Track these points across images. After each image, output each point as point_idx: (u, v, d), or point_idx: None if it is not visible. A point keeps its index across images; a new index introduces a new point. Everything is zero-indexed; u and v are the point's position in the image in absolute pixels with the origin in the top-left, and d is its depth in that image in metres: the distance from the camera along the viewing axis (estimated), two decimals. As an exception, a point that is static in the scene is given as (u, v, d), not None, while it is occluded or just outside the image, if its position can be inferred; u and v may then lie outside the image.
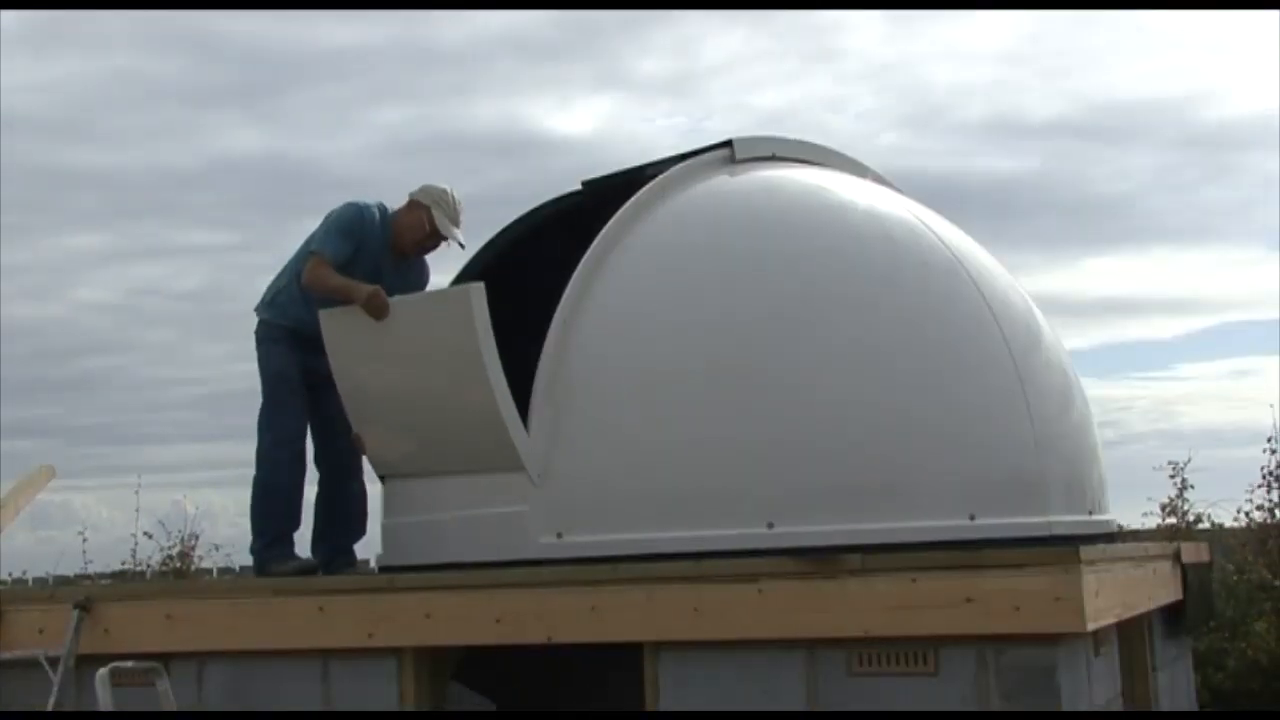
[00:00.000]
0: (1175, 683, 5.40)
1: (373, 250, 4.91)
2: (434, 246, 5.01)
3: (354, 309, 4.73)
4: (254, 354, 5.13)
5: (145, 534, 8.64)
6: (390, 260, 4.98)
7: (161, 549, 8.67)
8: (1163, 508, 8.28)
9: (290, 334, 4.99)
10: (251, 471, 5.09)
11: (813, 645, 3.87)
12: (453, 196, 5.00)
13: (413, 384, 4.68)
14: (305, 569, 4.99)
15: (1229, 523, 8.17)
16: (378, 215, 4.95)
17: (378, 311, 4.64)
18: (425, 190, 4.99)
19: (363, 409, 4.85)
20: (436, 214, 4.92)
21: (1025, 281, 5.22)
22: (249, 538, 5.16)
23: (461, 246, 5.02)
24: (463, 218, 5.00)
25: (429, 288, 5.20)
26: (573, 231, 4.82)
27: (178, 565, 8.60)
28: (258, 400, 5.10)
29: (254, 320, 5.15)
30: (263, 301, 5.10)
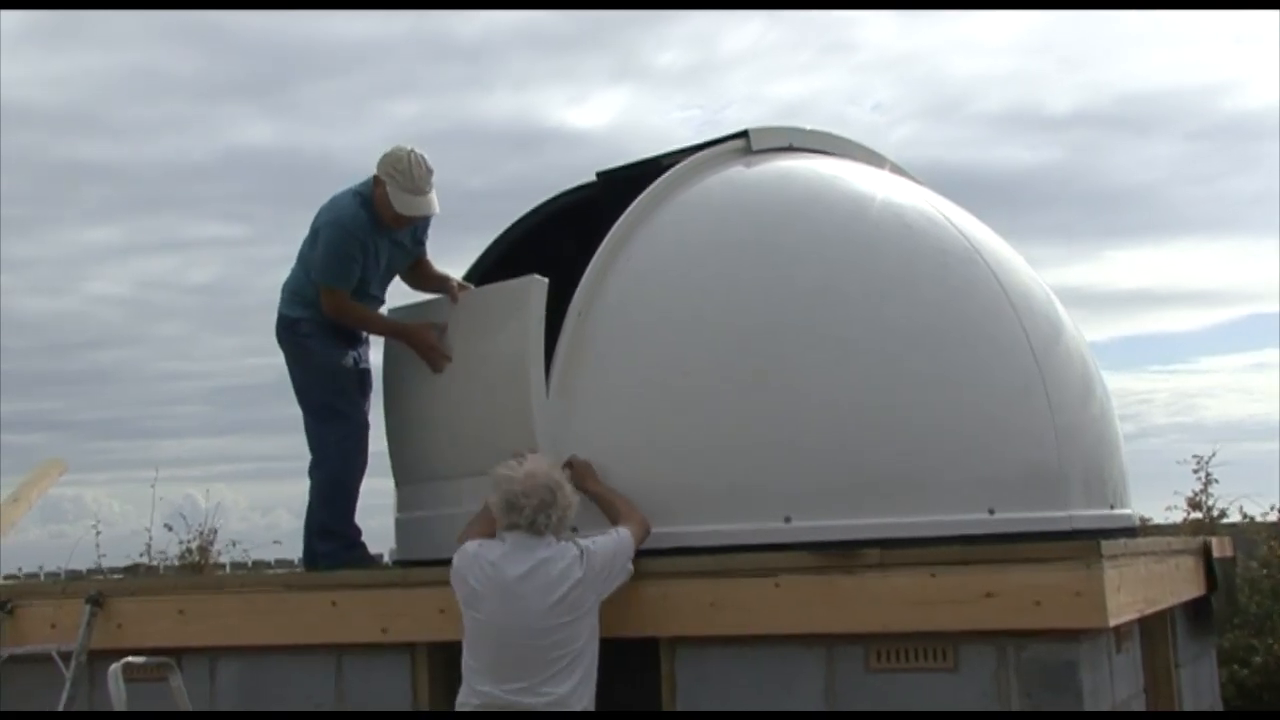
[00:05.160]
0: (1198, 679, 5.37)
1: (369, 247, 4.86)
2: (412, 220, 4.86)
3: (422, 306, 4.83)
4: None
5: (166, 526, 8.68)
6: (385, 242, 4.91)
7: (181, 542, 8.72)
8: (1189, 501, 8.25)
9: (332, 326, 4.96)
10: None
11: (831, 641, 3.87)
12: (412, 160, 4.70)
13: (459, 381, 4.70)
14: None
15: (1259, 517, 8.13)
16: (364, 212, 4.82)
17: (435, 360, 4.75)
18: (382, 161, 4.78)
19: (405, 407, 4.90)
20: (391, 190, 4.73)
21: (1045, 273, 5.22)
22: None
23: (429, 215, 4.87)
24: (430, 178, 4.75)
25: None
26: (587, 223, 4.82)
27: (197, 560, 8.63)
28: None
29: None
30: (292, 300, 5.02)
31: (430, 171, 4.78)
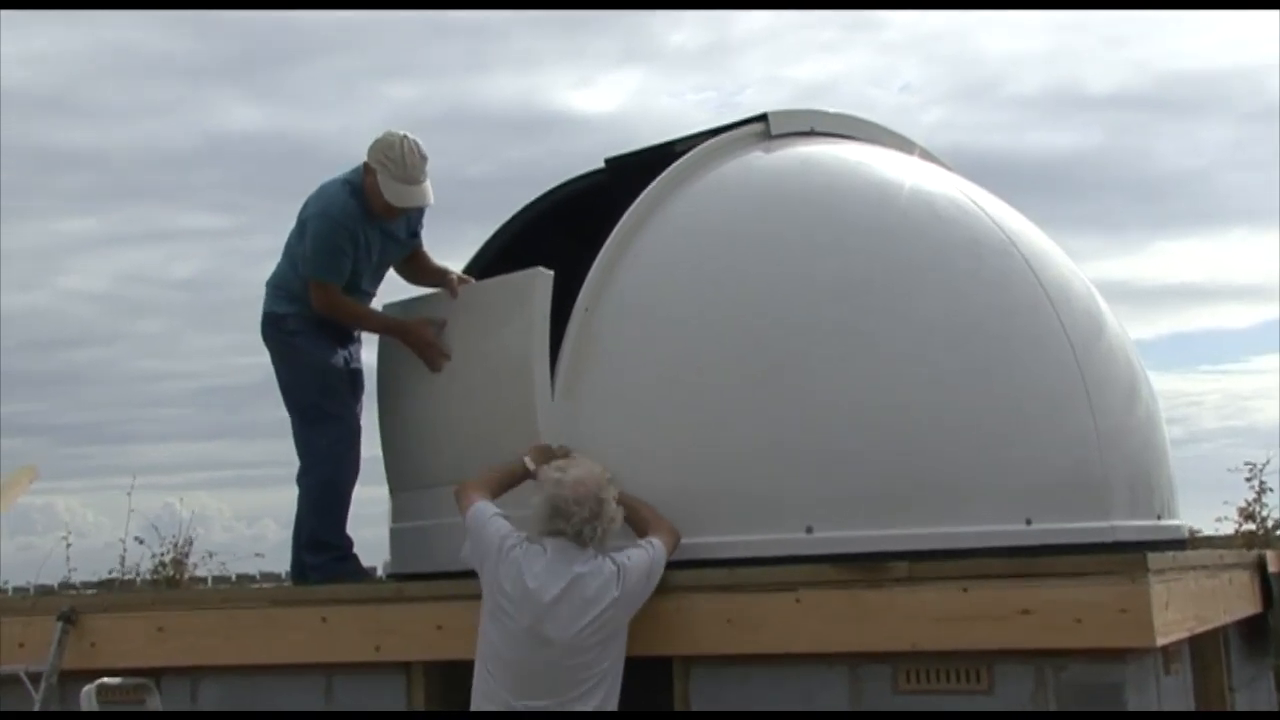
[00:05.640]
0: (1255, 705, 5.36)
1: (360, 239, 4.88)
2: (405, 210, 4.87)
3: (419, 301, 4.85)
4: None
5: (137, 539, 8.71)
6: (377, 233, 4.93)
7: (153, 555, 8.74)
8: (1241, 512, 8.22)
9: (321, 323, 4.98)
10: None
11: (856, 660, 3.87)
12: (404, 147, 4.73)
13: (459, 381, 4.73)
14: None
15: None
16: (354, 202, 4.83)
17: (433, 359, 4.76)
18: (373, 148, 4.80)
19: (401, 409, 4.92)
20: (382, 179, 4.75)
21: (1086, 266, 5.22)
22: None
23: (425, 206, 4.91)
24: (424, 167, 4.77)
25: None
26: (595, 214, 4.82)
27: (171, 574, 8.66)
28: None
29: (255, 310, 5.16)
30: (278, 296, 5.05)
31: (424, 159, 4.80)
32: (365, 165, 4.84)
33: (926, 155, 5.33)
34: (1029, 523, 4.19)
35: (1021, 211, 5.10)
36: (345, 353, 5.09)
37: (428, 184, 4.84)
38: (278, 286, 5.06)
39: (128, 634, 4.71)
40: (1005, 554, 3.98)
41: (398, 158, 4.74)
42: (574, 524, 3.90)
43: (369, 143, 4.85)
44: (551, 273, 4.52)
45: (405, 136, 4.79)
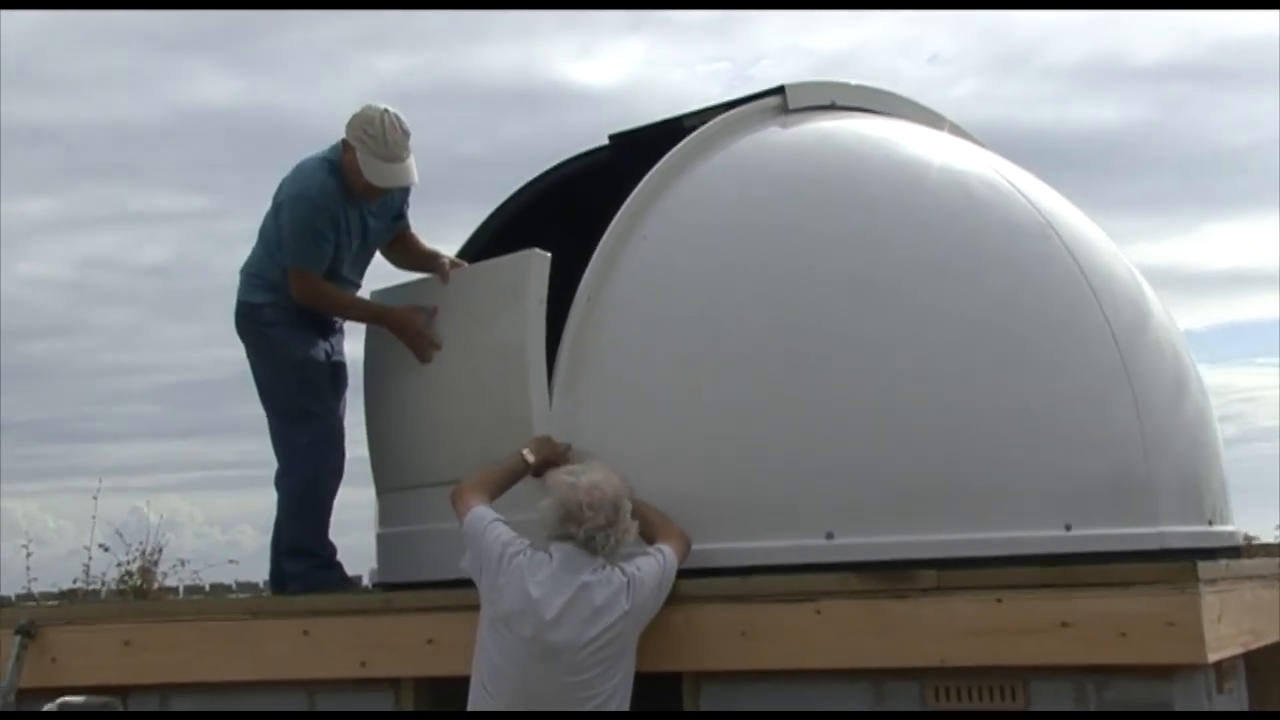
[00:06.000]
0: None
1: (340, 221, 4.89)
2: (387, 190, 4.88)
3: (408, 287, 4.86)
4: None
5: (101, 546, 8.74)
6: (359, 215, 4.94)
7: (119, 564, 8.76)
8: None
9: (300, 313, 4.99)
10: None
11: (880, 677, 3.89)
12: (385, 122, 4.73)
13: (450, 373, 4.74)
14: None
15: None
16: (334, 182, 4.84)
17: (423, 349, 4.78)
18: (351, 123, 4.81)
19: (388, 405, 4.92)
20: (362, 156, 4.75)
21: (1131, 250, 5.23)
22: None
23: (409, 186, 4.93)
24: (407, 143, 4.78)
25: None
26: (598, 194, 4.83)
27: (138, 583, 8.68)
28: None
29: (231, 299, 5.17)
30: (253, 284, 5.06)
31: (407, 134, 4.81)
32: (344, 142, 4.85)
33: (957, 131, 5.33)
34: (1068, 528, 4.20)
35: (1060, 192, 5.09)
36: (326, 345, 5.11)
37: (411, 161, 4.85)
38: (253, 274, 5.08)
39: (92, 648, 4.73)
40: (1043, 562, 3.98)
41: (378, 133, 4.75)
42: (585, 529, 3.91)
43: (355, 118, 4.87)
44: (548, 255, 4.52)
45: (386, 110, 4.80)
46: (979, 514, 4.17)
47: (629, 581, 3.91)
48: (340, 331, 5.21)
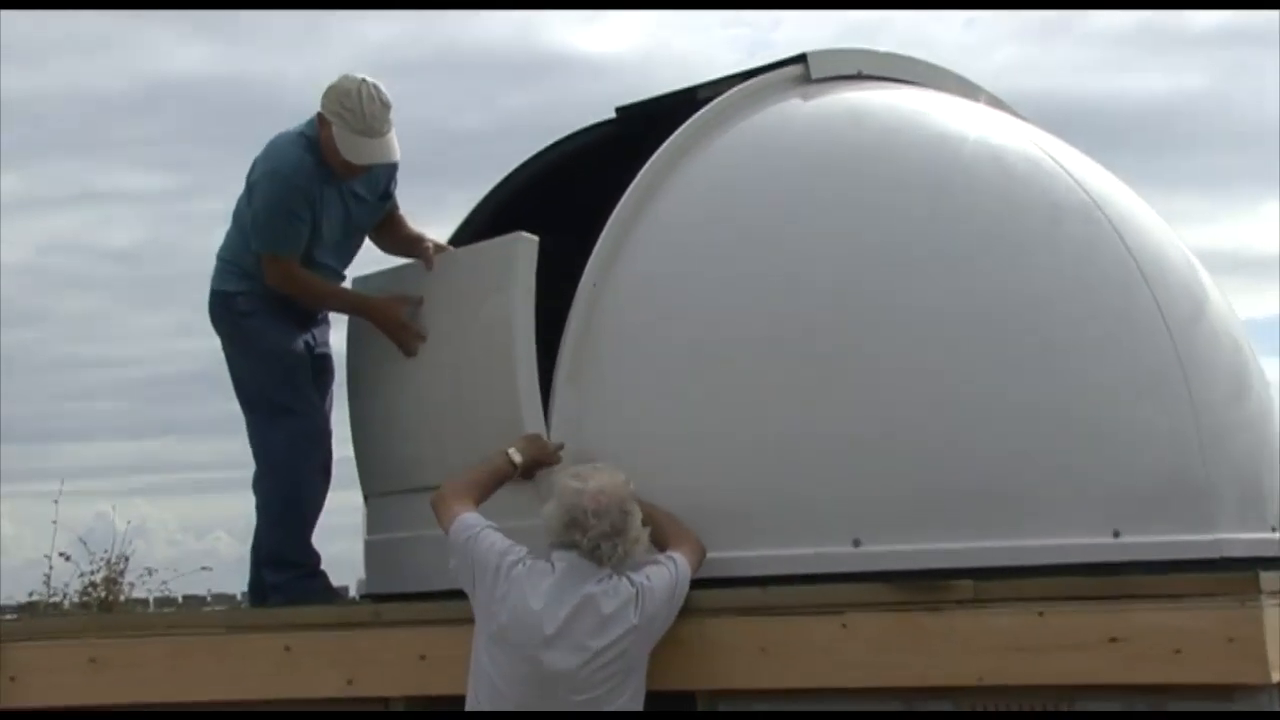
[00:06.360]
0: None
1: (317, 201, 4.89)
2: (367, 167, 4.88)
3: (390, 274, 4.89)
4: (205, 327, 5.18)
5: (63, 555, 8.77)
6: (338, 195, 4.94)
7: (82, 574, 8.79)
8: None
9: (280, 302, 5.00)
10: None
11: (911, 696, 3.89)
12: (362, 94, 4.74)
13: (437, 367, 4.75)
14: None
15: None
16: (311, 158, 4.84)
17: (407, 341, 4.80)
18: (326, 95, 4.81)
19: (373, 402, 4.93)
20: (338, 132, 4.76)
21: (1187, 232, 5.21)
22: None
23: (394, 163, 4.94)
24: (388, 116, 4.79)
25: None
26: (604, 172, 4.83)
27: (103, 595, 8.71)
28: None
29: (205, 285, 5.18)
30: (228, 271, 5.07)
31: (387, 106, 4.81)
32: (319, 116, 4.86)
33: (995, 102, 5.32)
34: (1117, 535, 4.20)
35: (1109, 168, 5.09)
36: (308, 336, 5.12)
37: (392, 136, 4.86)
38: (227, 260, 5.09)
39: (54, 666, 4.73)
40: (1089, 571, 3.98)
41: (355, 106, 4.75)
42: (590, 538, 3.91)
43: (340, 88, 4.87)
44: (536, 238, 4.53)
45: (364, 80, 4.81)
46: (1019, 519, 4.16)
47: (638, 592, 3.91)
48: (325, 321, 5.22)
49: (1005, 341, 4.33)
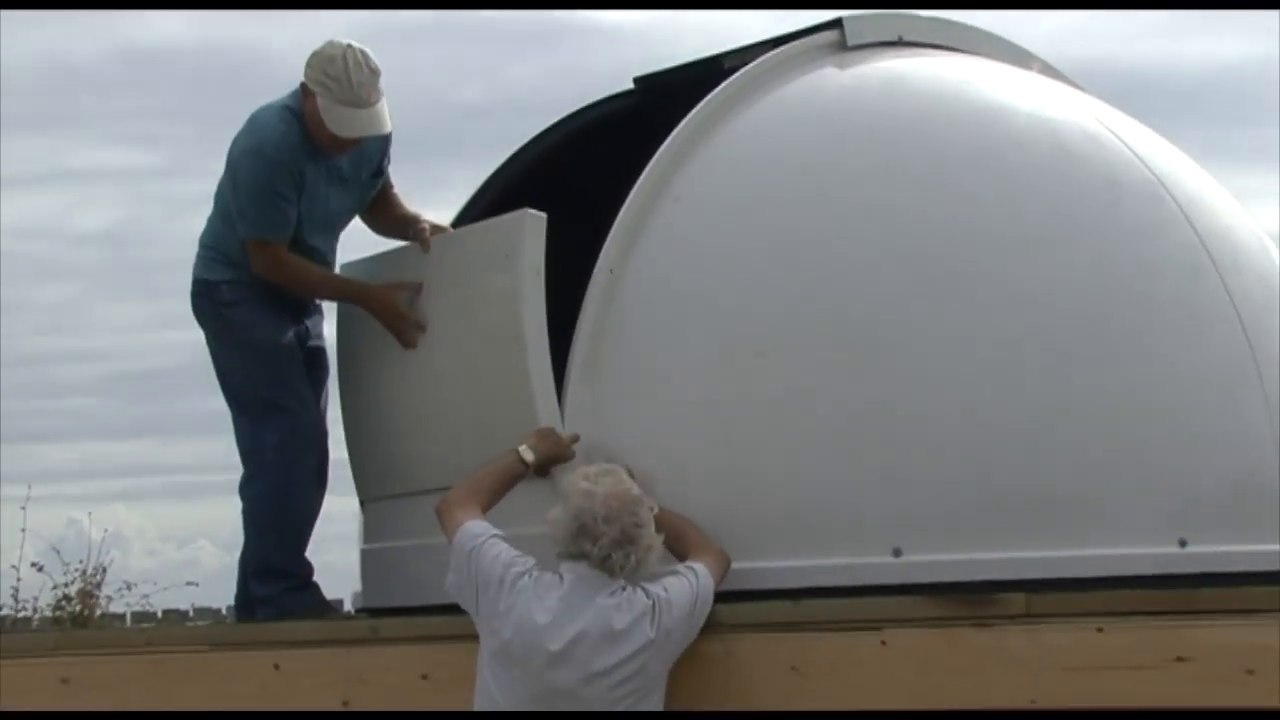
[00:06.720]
0: None
1: (303, 180, 4.90)
2: (355, 141, 4.88)
3: (384, 258, 4.90)
4: (187, 317, 5.18)
5: (34, 565, 8.81)
6: (326, 171, 4.95)
7: (55, 587, 8.83)
8: None
9: (268, 290, 5.01)
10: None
11: (958, 720, 3.87)
12: (349, 60, 4.74)
13: (439, 359, 4.76)
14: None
15: None
16: (295, 133, 4.85)
17: (405, 331, 4.80)
18: (310, 63, 4.82)
19: (369, 399, 4.93)
20: (323, 103, 4.76)
21: (1260, 213, 5.20)
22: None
23: (385, 136, 4.95)
24: (377, 84, 4.79)
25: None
26: (622, 149, 4.83)
27: (77, 609, 8.74)
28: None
29: (187, 271, 5.20)
30: (211, 259, 5.08)
31: (375, 74, 4.82)
32: (302, 87, 4.87)
33: (1049, 71, 5.31)
34: (1183, 544, 4.19)
35: (1175, 143, 5.09)
36: (300, 327, 5.14)
37: (382, 106, 4.86)
38: (210, 246, 5.11)
39: (24, 686, 4.74)
40: (1153, 584, 3.97)
41: (340, 74, 4.75)
42: (600, 547, 3.90)
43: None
44: (544, 215, 4.52)
45: (349, 46, 4.81)
46: (1076, 527, 4.16)
47: (654, 605, 3.90)
48: (318, 311, 5.23)
49: (1059, 333, 4.32)
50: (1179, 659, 3.67)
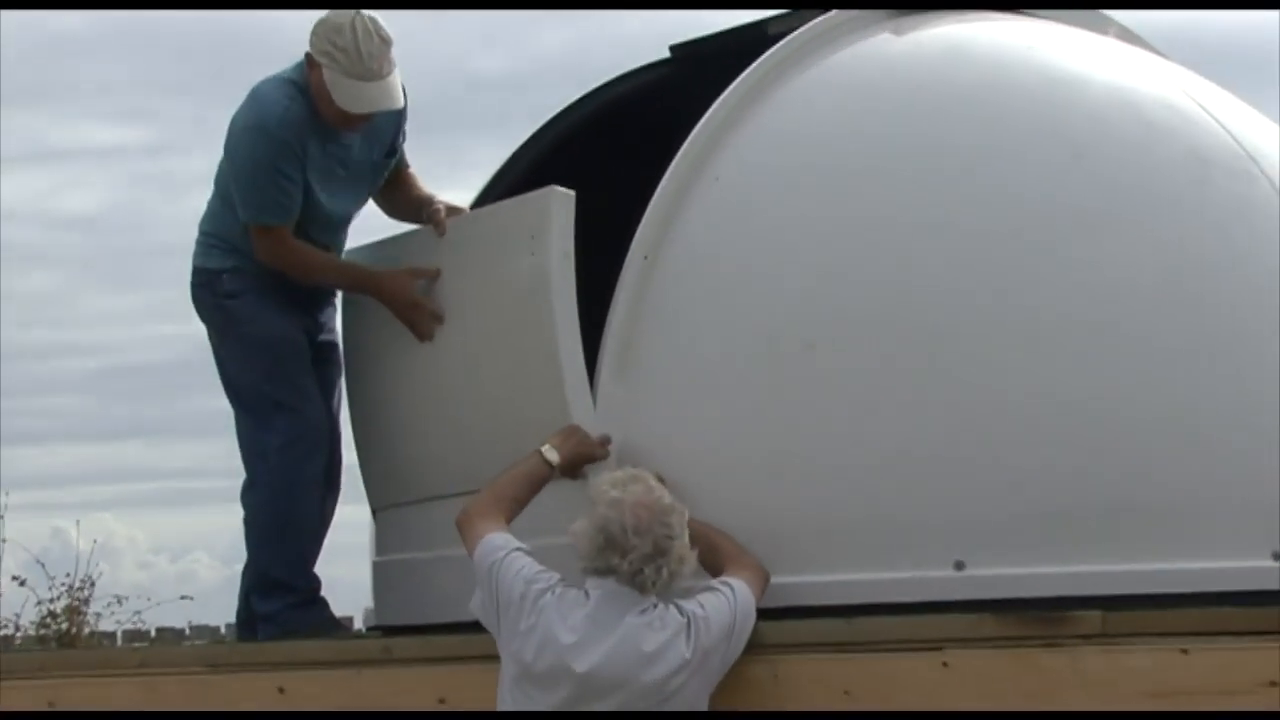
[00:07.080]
0: None
1: (308, 158, 4.92)
2: (366, 117, 4.90)
3: (396, 243, 4.95)
4: (184, 308, 5.22)
5: (16, 579, 8.86)
6: (333, 152, 4.97)
7: (39, 603, 8.87)
8: None
9: (273, 280, 5.03)
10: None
11: (1028, 749, 3.87)
12: (358, 29, 4.77)
13: (458, 352, 4.76)
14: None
15: None
16: (299, 108, 4.88)
17: (421, 322, 4.82)
18: (315, 33, 4.85)
19: (380, 397, 4.94)
20: (330, 75, 4.79)
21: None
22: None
23: (398, 111, 4.97)
24: (388, 54, 4.81)
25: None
26: (657, 124, 4.84)
27: (63, 627, 8.79)
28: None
29: (183, 259, 5.24)
30: (211, 246, 5.11)
31: (387, 43, 4.83)
32: (307, 58, 4.89)
33: (1127, 36, 5.29)
34: (1278, 558, 4.16)
35: (1266, 115, 5.06)
36: (309, 320, 5.16)
37: (395, 78, 4.88)
38: (210, 233, 5.14)
39: (5, 709, 4.75)
40: (1245, 601, 3.95)
41: (348, 44, 4.77)
42: (630, 562, 3.90)
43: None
44: (572, 193, 4.52)
45: (358, 14, 4.83)
46: (1157, 538, 4.14)
47: (689, 622, 3.90)
48: (331, 304, 5.25)
49: (1139, 324, 4.30)
50: (1272, 683, 3.67)
